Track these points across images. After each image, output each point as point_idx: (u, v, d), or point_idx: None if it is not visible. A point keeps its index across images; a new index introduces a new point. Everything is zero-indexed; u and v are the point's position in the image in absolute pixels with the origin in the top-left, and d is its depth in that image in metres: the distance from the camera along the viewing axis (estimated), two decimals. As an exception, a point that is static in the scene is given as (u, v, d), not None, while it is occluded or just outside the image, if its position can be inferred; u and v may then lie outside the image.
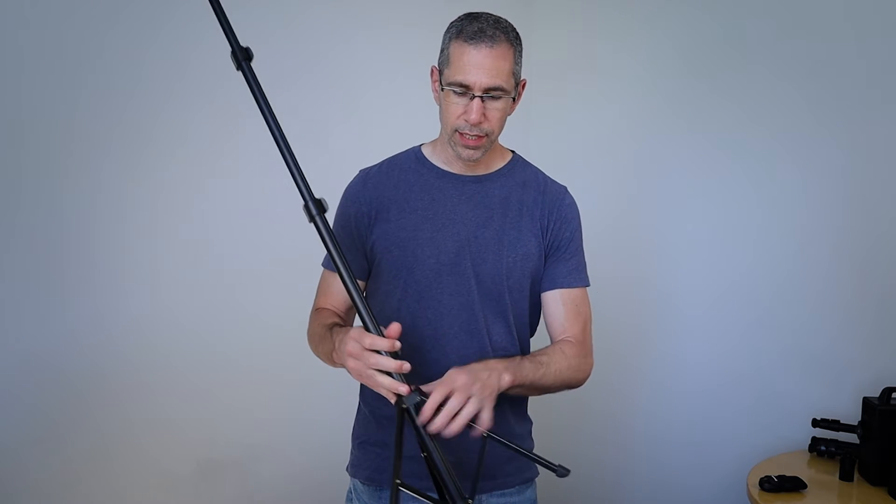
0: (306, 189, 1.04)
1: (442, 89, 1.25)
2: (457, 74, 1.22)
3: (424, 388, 1.08)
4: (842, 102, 2.16)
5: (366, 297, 1.39)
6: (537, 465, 1.41)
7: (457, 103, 1.23)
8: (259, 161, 1.88)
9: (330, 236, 1.04)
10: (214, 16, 1.06)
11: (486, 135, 1.25)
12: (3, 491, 1.64)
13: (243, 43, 1.05)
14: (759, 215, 2.34)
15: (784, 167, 2.27)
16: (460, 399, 1.06)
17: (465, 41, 1.21)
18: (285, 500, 2.15)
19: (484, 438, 1.08)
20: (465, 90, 1.22)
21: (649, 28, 2.57)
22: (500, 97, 1.23)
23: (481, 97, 1.21)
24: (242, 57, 1.04)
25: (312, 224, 1.04)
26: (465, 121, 1.23)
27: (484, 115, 1.23)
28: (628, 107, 2.63)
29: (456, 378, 1.09)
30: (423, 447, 1.03)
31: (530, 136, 2.87)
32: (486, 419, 1.08)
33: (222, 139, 1.96)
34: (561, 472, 1.06)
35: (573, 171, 2.58)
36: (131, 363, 1.84)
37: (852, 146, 2.15)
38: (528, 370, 1.21)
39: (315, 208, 1.03)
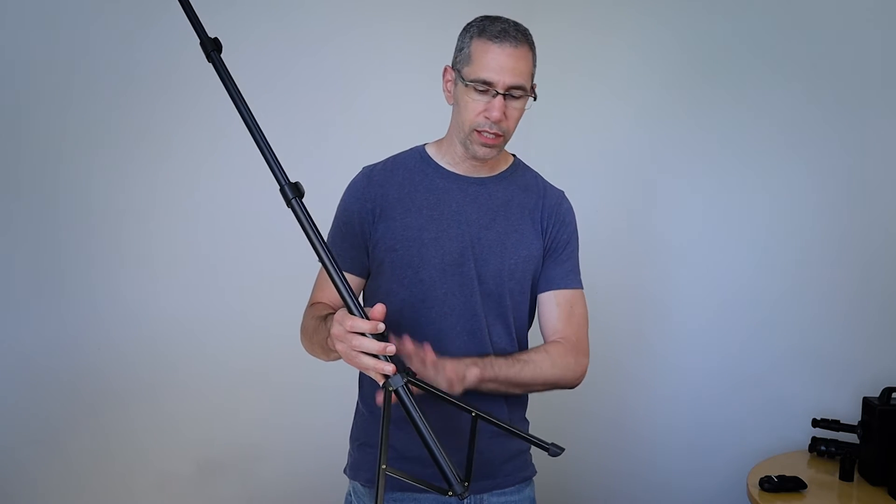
0: (281, 173, 1.05)
1: (462, 85, 1.25)
2: (480, 72, 1.22)
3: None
4: (848, 102, 2.15)
5: (367, 296, 1.39)
6: (534, 466, 1.42)
7: (477, 101, 1.24)
8: (260, 161, 1.88)
9: (307, 218, 1.04)
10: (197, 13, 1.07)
11: (503, 134, 1.26)
12: (3, 492, 1.64)
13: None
14: (762, 216, 2.33)
15: (789, 167, 2.26)
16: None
17: (490, 39, 1.22)
18: (285, 501, 2.15)
19: (473, 418, 1.09)
20: (487, 87, 1.23)
21: (652, 25, 2.56)
22: (520, 97, 1.25)
23: (504, 95, 1.22)
24: (211, 48, 1.06)
25: (290, 208, 1.04)
26: (486, 118, 1.24)
27: (504, 113, 1.24)
28: (630, 106, 2.63)
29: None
30: (416, 429, 1.03)
31: (531, 135, 2.86)
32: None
33: (220, 138, 1.96)
34: (554, 450, 1.05)
35: (574, 170, 2.59)
36: (130, 364, 1.84)
37: (857, 146, 2.14)
38: (500, 366, 1.23)
39: (291, 192, 1.04)
